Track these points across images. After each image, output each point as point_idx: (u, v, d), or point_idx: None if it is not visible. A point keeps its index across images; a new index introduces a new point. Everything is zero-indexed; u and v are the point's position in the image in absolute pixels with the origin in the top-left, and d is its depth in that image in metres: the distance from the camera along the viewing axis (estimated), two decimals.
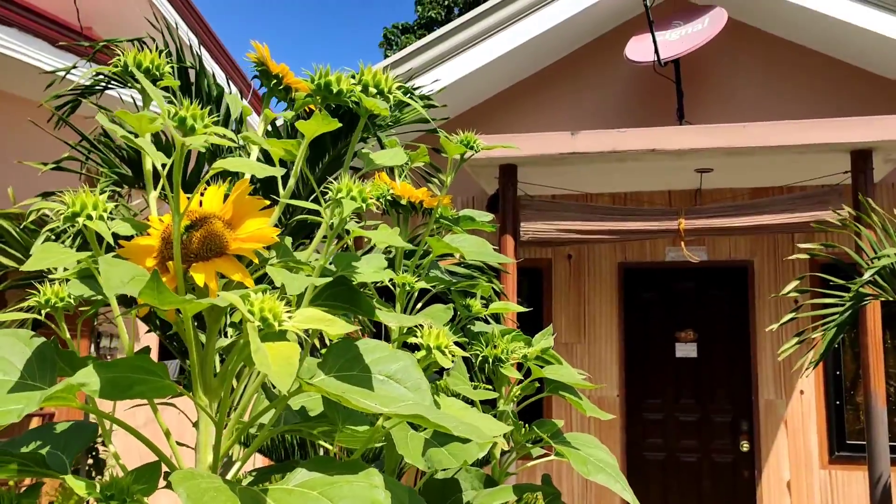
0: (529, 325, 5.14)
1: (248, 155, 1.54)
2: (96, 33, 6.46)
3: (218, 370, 0.91)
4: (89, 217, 0.83)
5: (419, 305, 1.59)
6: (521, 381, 1.57)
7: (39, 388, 0.82)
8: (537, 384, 1.59)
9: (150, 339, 5.37)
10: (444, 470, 1.52)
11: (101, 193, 0.87)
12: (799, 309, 3.55)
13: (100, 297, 0.91)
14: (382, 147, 3.91)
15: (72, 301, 0.98)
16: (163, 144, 3.15)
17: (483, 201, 6.16)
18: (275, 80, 1.04)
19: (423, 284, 1.48)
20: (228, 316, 0.97)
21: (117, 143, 3.55)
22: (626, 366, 6.11)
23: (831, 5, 5.39)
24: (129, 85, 3.18)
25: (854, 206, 4.69)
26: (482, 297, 1.77)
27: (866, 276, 3.22)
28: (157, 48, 3.54)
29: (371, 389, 0.87)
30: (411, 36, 22.54)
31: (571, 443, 1.48)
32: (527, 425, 1.57)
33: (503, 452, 1.65)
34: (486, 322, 1.73)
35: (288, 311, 0.78)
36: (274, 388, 1.13)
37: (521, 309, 1.74)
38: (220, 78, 7.13)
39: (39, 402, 0.74)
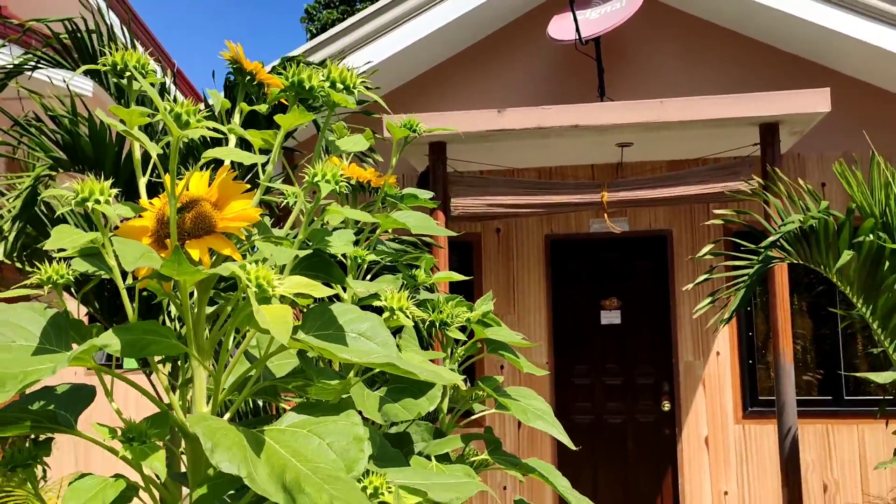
0: (462, 296, 5.32)
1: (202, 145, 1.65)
2: (11, 11, 6.34)
3: (208, 335, 1.04)
4: (97, 202, 0.95)
5: (368, 276, 1.74)
6: (464, 343, 1.73)
7: (58, 352, 0.94)
8: (479, 345, 1.76)
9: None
10: (397, 424, 1.68)
11: (37, 177, 0.98)
12: (712, 271, 3.81)
13: (99, 273, 1.03)
14: (318, 128, 4.02)
15: (71, 277, 1.09)
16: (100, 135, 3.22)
17: (413, 178, 6.30)
18: (248, 77, 1.17)
19: (374, 257, 1.63)
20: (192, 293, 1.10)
21: (50, 127, 3.58)
22: (555, 334, 6.37)
23: None
24: (65, 66, 3.20)
25: (763, 177, 4.99)
26: (425, 270, 1.92)
27: (771, 239, 3.49)
28: (87, 29, 3.54)
29: (346, 345, 1.02)
30: (333, 10, 22.41)
31: (511, 395, 1.65)
32: (469, 383, 1.73)
33: (449, 409, 1.82)
34: (430, 291, 1.89)
35: (278, 279, 0.92)
36: (250, 354, 1.26)
37: (462, 277, 1.91)
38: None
39: (68, 361, 0.87)
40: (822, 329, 6.14)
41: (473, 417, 1.81)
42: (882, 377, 2.47)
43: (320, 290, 0.95)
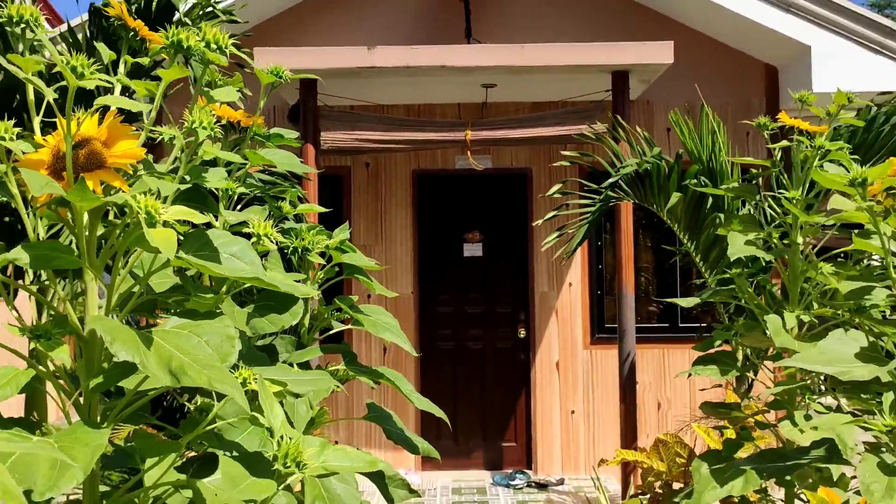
0: (330, 227, 5.53)
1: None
2: None
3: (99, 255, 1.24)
4: (2, 138, 1.12)
5: (239, 207, 1.94)
6: (323, 267, 1.96)
7: None
8: (336, 269, 2.00)
9: None
10: (264, 337, 1.91)
11: None
12: (560, 208, 4.16)
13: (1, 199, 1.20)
14: (187, 61, 4.08)
15: None
16: None
17: (285, 110, 6.40)
18: (132, 33, 1.34)
19: (243, 189, 1.83)
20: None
21: None
22: (420, 265, 6.67)
23: None
24: None
25: (613, 121, 5.38)
26: (290, 202, 2.13)
27: (611, 180, 3.86)
28: None
29: (220, 263, 1.24)
30: None
31: (364, 311, 1.91)
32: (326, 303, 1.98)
33: (310, 326, 2.06)
34: (299, 221, 2.11)
35: (163, 208, 1.12)
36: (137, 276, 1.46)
37: (323, 210, 2.14)
38: None
39: None
40: (665, 263, 6.69)
41: (331, 332, 2.06)
42: (686, 302, 2.86)
43: (198, 218, 1.16)
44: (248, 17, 6.00)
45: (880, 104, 4.19)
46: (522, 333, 6.66)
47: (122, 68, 1.33)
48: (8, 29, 1.27)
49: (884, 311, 1.74)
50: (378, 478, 1.95)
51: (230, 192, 1.80)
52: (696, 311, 6.33)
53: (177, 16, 3.92)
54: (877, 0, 31.81)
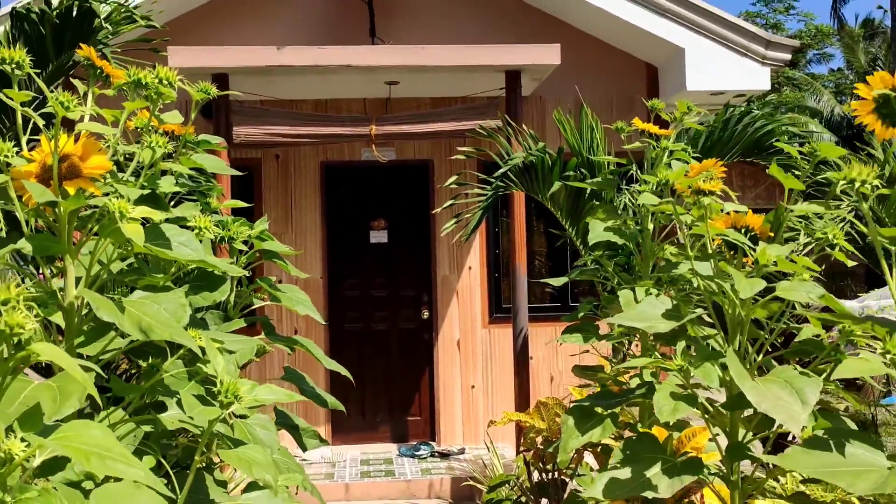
0: (244, 216, 5.85)
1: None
2: None
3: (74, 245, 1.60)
4: (7, 155, 1.48)
5: (173, 202, 2.30)
6: (246, 252, 2.34)
7: None
8: (257, 254, 2.38)
9: None
10: (198, 311, 2.27)
11: None
12: (457, 197, 4.61)
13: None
14: (107, 59, 4.34)
15: None
16: None
17: (198, 104, 6.63)
18: (99, 70, 1.69)
19: (178, 189, 2.19)
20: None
21: None
22: (329, 251, 7.04)
23: None
24: None
25: (507, 116, 5.86)
26: (216, 197, 2.51)
27: (500, 172, 4.33)
28: None
29: (172, 250, 1.62)
30: None
31: (281, 289, 2.30)
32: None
33: (235, 302, 2.43)
34: (217, 213, 2.48)
35: (131, 208, 1.49)
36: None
37: (245, 205, 2.52)
38: None
39: None
40: (558, 247, 7.23)
41: (252, 308, 2.44)
42: (556, 281, 3.33)
43: (157, 216, 1.54)
44: (159, 15, 6.24)
45: (735, 105, 4.77)
46: (425, 314, 7.11)
47: (90, 99, 1.68)
48: (3, 68, 1.61)
49: (690, 280, 2.23)
50: (294, 430, 2.36)
51: (168, 191, 2.16)
52: (585, 290, 6.91)
53: (97, 21, 4.17)
54: None
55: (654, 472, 1.93)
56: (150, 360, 1.85)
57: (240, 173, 2.22)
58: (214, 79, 5.83)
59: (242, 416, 1.94)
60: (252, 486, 1.68)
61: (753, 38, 6.45)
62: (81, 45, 3.99)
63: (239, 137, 5.83)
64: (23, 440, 0.96)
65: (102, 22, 4.20)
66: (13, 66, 1.57)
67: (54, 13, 4.15)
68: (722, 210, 2.00)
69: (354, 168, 7.09)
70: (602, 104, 7.08)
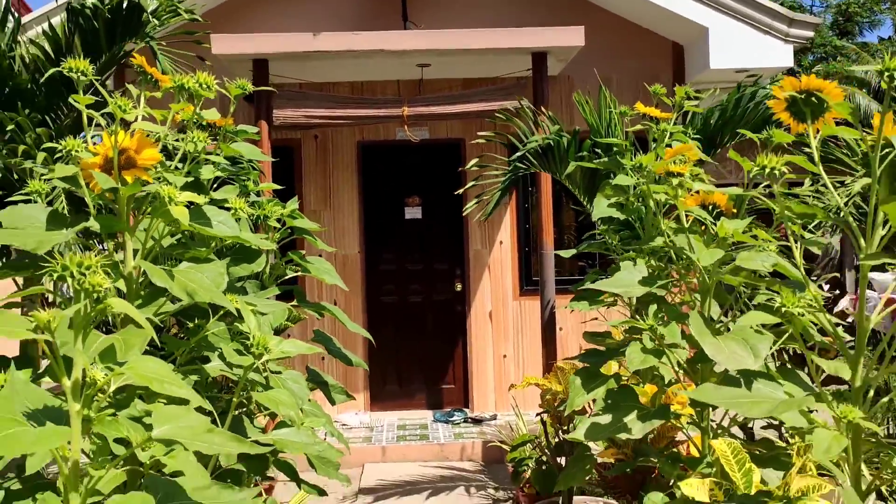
0: (285, 193, 6.20)
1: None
2: None
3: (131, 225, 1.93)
4: (77, 150, 1.80)
5: (216, 185, 2.63)
6: (279, 229, 2.66)
7: (61, 230, 1.80)
8: (289, 231, 2.69)
9: None
10: (239, 280, 2.60)
11: None
12: (478, 179, 4.88)
13: (73, 188, 1.88)
14: (154, 52, 4.69)
15: (53, 189, 1.93)
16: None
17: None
18: (149, 76, 2.01)
19: (219, 173, 2.51)
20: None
21: None
22: (365, 227, 7.38)
23: None
24: None
25: (534, 96, 6.10)
26: (253, 181, 2.83)
27: (518, 154, 4.59)
28: None
29: (213, 228, 1.93)
30: None
31: (311, 261, 2.61)
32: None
33: (269, 273, 2.76)
34: (258, 195, 2.80)
35: (178, 193, 1.81)
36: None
37: (277, 187, 2.84)
38: None
39: (70, 236, 1.74)
40: (586, 222, 7.46)
41: (286, 278, 2.76)
42: (565, 253, 3.59)
43: (200, 199, 1.85)
44: (208, 1, 6.59)
45: (746, 85, 4.96)
46: (458, 287, 7.42)
47: (142, 101, 2.00)
48: (70, 76, 1.93)
49: (667, 251, 2.48)
50: (323, 385, 2.68)
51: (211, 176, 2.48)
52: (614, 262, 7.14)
53: (144, 15, 4.50)
54: None
55: (630, 418, 2.22)
56: (196, 321, 2.18)
57: (273, 159, 2.54)
58: (255, 64, 6.17)
59: (277, 373, 2.28)
60: (280, 425, 2.01)
61: (776, 16, 6.58)
62: (134, 39, 4.33)
63: (279, 120, 6.16)
64: (102, 370, 1.28)
65: (150, 16, 4.53)
66: (79, 73, 1.90)
67: (106, 8, 4.48)
68: (690, 190, 2.26)
69: (389, 147, 7.39)
70: (629, 83, 7.29)
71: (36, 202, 2.01)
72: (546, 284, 6.07)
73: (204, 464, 1.65)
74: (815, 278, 2.03)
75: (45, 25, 4.62)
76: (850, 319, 10.20)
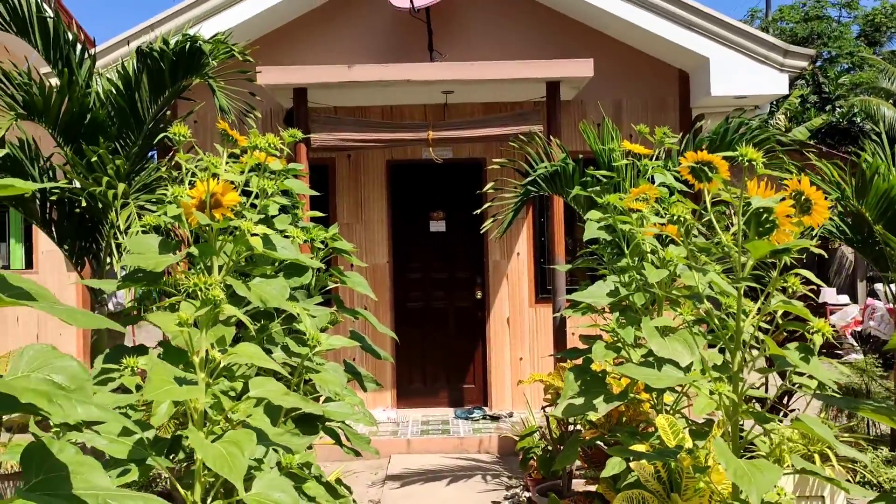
0: (320, 207, 6.90)
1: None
2: None
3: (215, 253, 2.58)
4: (181, 197, 2.46)
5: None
6: (322, 250, 3.31)
7: (170, 255, 2.46)
8: (332, 249, 3.34)
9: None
10: (292, 290, 3.25)
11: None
12: (494, 200, 5.51)
13: (175, 223, 2.54)
14: (213, 91, 5.37)
15: (167, 223, 2.59)
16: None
17: (279, 112, 7.70)
18: (232, 138, 2.67)
19: (283, 201, 3.16)
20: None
21: (9, 92, 4.81)
22: (393, 239, 8.04)
23: None
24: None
25: (547, 123, 6.73)
26: (301, 210, 3.48)
27: (529, 179, 5.22)
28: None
29: (277, 251, 2.58)
30: None
31: (348, 275, 3.26)
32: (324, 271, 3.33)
33: (315, 284, 3.40)
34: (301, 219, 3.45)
35: (254, 227, 2.46)
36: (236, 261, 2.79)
37: (322, 214, 3.50)
38: None
39: (179, 259, 2.40)
40: None
41: (328, 289, 3.41)
42: (562, 267, 4.20)
43: (270, 232, 2.50)
44: (249, 34, 7.30)
45: (733, 117, 5.54)
46: (479, 295, 8.06)
47: (224, 156, 2.65)
48: (172, 136, 2.59)
49: (636, 268, 3.08)
50: (357, 375, 3.33)
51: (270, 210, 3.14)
52: None
53: (204, 57, 5.18)
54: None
55: (598, 400, 2.84)
56: (262, 322, 2.83)
57: (317, 193, 3.18)
58: (295, 92, 6.86)
59: (321, 364, 2.92)
60: (327, 401, 2.65)
61: (772, 47, 7.15)
62: (194, 76, 5.02)
63: (316, 143, 6.84)
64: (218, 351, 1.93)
65: (209, 58, 5.21)
66: (180, 136, 2.56)
67: (171, 51, 5.17)
68: (645, 222, 2.87)
69: (416, 166, 8.05)
70: (637, 107, 7.89)
71: (147, 232, 2.67)
72: (558, 293, 6.68)
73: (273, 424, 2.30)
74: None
75: (119, 66, 5.32)
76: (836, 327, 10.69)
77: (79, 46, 5.31)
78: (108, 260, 5.40)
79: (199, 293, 1.87)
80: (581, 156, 5.97)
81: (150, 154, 5.81)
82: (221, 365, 1.92)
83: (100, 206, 4.82)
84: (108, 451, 1.78)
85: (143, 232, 2.53)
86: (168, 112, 5.74)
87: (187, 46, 5.17)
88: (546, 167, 5.18)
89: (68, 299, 8.57)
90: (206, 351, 1.92)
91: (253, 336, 2.64)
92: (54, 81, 5.09)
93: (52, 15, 5.25)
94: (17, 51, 6.78)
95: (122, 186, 4.53)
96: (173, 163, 5.38)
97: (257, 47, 6.30)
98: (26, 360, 1.29)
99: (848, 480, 4.21)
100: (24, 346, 1.32)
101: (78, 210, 5.15)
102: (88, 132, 5.08)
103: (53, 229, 5.11)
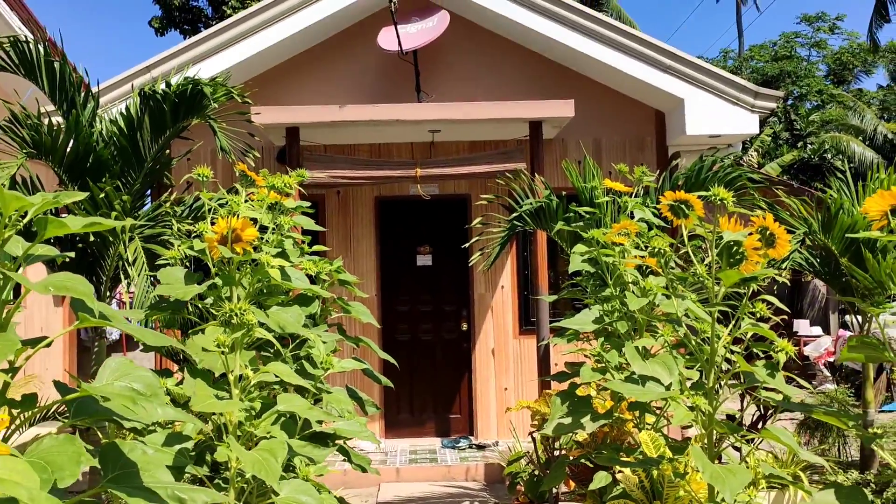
0: (311, 241, 7.14)
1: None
2: None
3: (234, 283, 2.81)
4: (205, 232, 2.69)
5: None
6: (327, 281, 3.54)
7: (194, 286, 2.69)
8: (335, 282, 3.57)
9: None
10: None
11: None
12: (481, 234, 5.78)
13: (200, 255, 2.77)
14: (214, 130, 5.62)
15: (189, 255, 2.83)
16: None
17: (271, 149, 7.95)
18: (251, 180, 2.91)
19: (295, 236, 3.41)
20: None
21: (20, 133, 5.04)
22: (382, 273, 8.27)
23: (506, 10, 7.63)
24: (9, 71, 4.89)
25: (530, 161, 7.03)
26: (307, 244, 3.72)
27: (514, 215, 5.49)
28: (24, 40, 5.14)
29: (292, 282, 2.82)
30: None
31: (350, 305, 3.49)
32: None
33: (321, 313, 3.63)
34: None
35: (272, 259, 2.69)
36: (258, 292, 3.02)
37: (325, 248, 3.73)
38: (12, 18, 8.22)
39: (203, 289, 2.62)
40: None
41: (333, 318, 3.64)
42: (548, 298, 4.46)
43: (286, 265, 2.74)
44: (246, 73, 7.57)
45: (707, 156, 5.86)
46: (465, 327, 8.29)
47: (242, 195, 2.90)
48: (196, 178, 2.83)
49: (618, 297, 3.34)
50: (359, 400, 3.55)
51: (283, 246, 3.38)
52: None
53: (205, 99, 5.43)
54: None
55: (585, 419, 3.07)
56: (275, 348, 3.05)
57: (322, 229, 3.43)
58: (287, 130, 7.12)
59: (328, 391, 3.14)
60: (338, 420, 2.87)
61: (742, 89, 7.51)
62: (195, 117, 5.27)
63: (308, 180, 7.08)
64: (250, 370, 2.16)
65: (210, 99, 5.46)
66: (203, 177, 2.80)
67: (173, 93, 5.42)
68: (626, 255, 3.14)
69: (403, 201, 8.32)
70: (616, 145, 8.23)
71: (171, 264, 2.89)
72: (541, 324, 6.93)
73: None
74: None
75: (123, 107, 5.56)
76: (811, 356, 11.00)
77: (83, 90, 5.55)
78: (108, 294, 5.60)
79: (233, 318, 2.09)
80: (563, 192, 6.27)
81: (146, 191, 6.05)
82: (252, 382, 2.14)
83: (100, 240, 5.03)
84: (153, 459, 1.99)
85: (160, 266, 2.76)
86: (168, 151, 5.97)
87: (189, 89, 5.41)
88: (532, 203, 5.45)
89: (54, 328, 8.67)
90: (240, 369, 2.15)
91: (270, 359, 2.87)
92: (55, 120, 5.32)
93: (58, 59, 5.50)
94: (6, 85, 7.02)
95: (129, 221, 4.74)
96: (174, 199, 5.63)
97: (255, 89, 6.58)
98: (109, 371, 1.52)
99: None
100: (107, 359, 1.54)
101: (81, 245, 5.36)
102: (93, 170, 5.30)
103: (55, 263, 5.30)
